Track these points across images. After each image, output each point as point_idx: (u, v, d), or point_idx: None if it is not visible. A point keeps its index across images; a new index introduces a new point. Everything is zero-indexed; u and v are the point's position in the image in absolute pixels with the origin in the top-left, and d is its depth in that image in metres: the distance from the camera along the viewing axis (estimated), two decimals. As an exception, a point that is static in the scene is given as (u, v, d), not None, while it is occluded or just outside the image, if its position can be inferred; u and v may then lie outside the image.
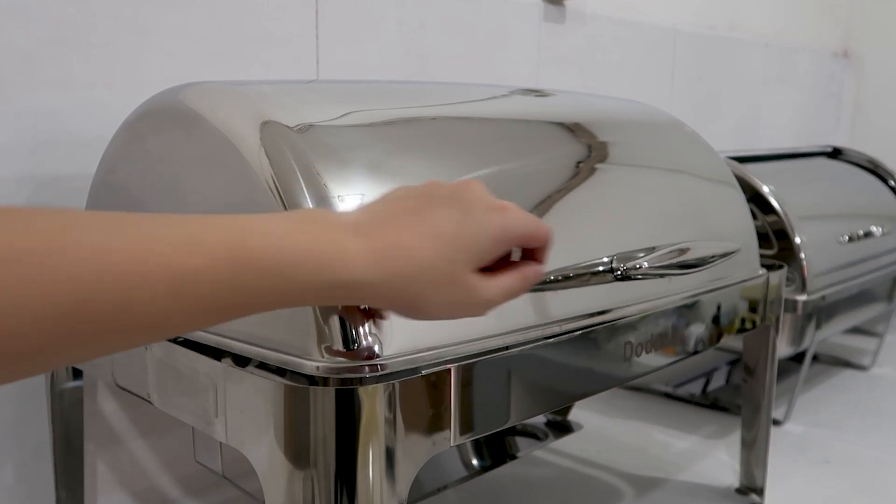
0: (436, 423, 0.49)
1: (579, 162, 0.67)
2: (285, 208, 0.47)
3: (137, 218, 0.31)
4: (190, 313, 0.31)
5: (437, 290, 0.37)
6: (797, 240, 1.07)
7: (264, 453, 0.48)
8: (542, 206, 0.59)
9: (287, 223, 0.34)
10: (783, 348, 1.06)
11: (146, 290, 0.30)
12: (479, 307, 0.40)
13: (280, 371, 0.47)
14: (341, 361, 0.46)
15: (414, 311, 0.39)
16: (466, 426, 0.50)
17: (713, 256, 0.66)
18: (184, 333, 0.34)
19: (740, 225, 0.81)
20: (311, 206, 0.48)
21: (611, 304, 0.61)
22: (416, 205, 0.38)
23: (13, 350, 0.27)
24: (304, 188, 0.48)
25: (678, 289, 0.68)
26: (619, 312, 0.62)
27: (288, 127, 0.52)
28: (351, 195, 0.49)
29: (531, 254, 0.43)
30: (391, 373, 0.46)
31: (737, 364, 1.31)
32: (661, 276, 0.62)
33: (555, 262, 0.56)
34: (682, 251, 0.63)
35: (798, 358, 1.13)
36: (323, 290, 0.34)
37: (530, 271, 0.42)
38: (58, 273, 0.28)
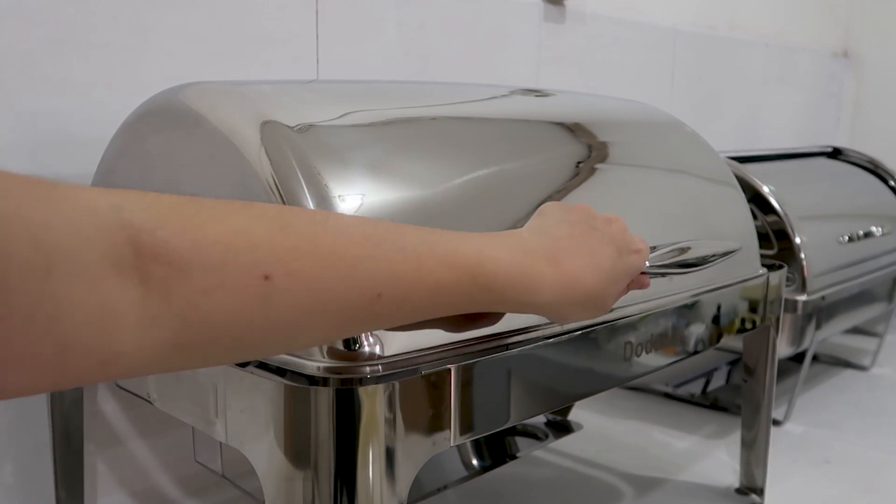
0: (436, 423, 0.49)
1: (579, 162, 0.67)
2: None
3: (413, 231, 0.41)
4: (432, 312, 0.41)
5: (588, 310, 0.48)
6: (797, 240, 1.07)
7: (264, 453, 0.48)
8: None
9: (507, 252, 0.43)
10: (783, 348, 1.06)
11: (416, 294, 0.39)
12: (601, 314, 0.51)
13: (280, 371, 0.47)
14: (342, 362, 0.46)
15: (562, 321, 0.51)
16: (466, 426, 0.50)
17: (714, 255, 0.66)
18: (417, 321, 0.41)
19: (741, 225, 0.81)
20: (311, 205, 0.48)
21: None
22: (583, 235, 0.48)
23: (316, 326, 0.36)
24: (305, 188, 0.48)
25: (678, 288, 0.69)
26: (620, 312, 0.62)
27: (288, 127, 0.52)
28: (351, 195, 0.49)
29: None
30: (391, 373, 0.46)
31: (737, 364, 1.31)
32: (662, 275, 0.62)
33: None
34: (683, 250, 0.63)
35: (798, 358, 1.13)
36: (521, 306, 0.45)
37: (640, 281, 0.54)
38: (361, 273, 0.37)
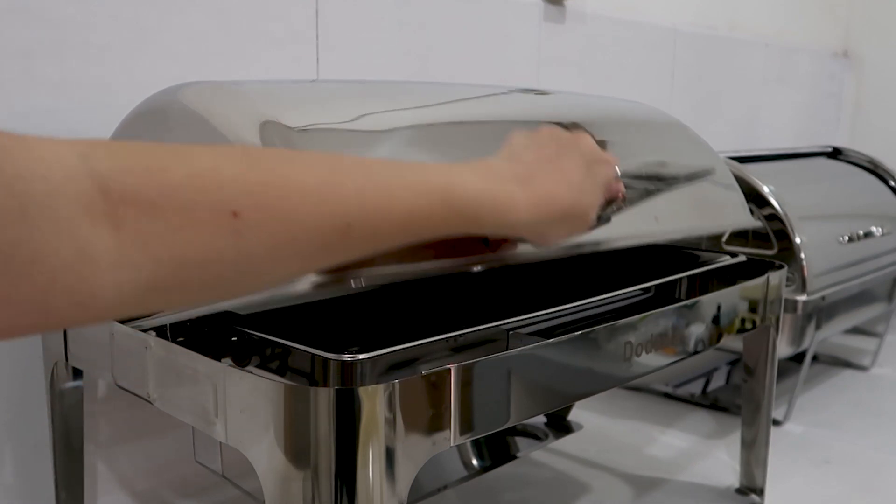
0: (436, 423, 0.49)
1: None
2: None
3: (380, 163, 0.41)
4: (407, 239, 0.41)
5: (569, 226, 0.49)
6: (797, 240, 1.07)
7: (264, 453, 0.48)
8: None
9: (476, 176, 0.44)
10: (783, 348, 1.06)
11: (387, 222, 0.39)
12: (585, 231, 0.52)
13: (280, 371, 0.47)
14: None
15: (545, 241, 0.50)
16: (466, 426, 0.50)
17: (688, 174, 0.66)
18: (392, 248, 0.42)
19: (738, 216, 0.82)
20: None
21: (595, 237, 0.61)
22: (552, 153, 0.49)
23: (288, 260, 0.37)
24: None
25: (666, 228, 0.67)
26: (605, 246, 0.62)
27: (288, 127, 0.52)
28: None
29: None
30: (391, 373, 0.46)
31: (737, 364, 1.31)
32: (636, 180, 0.61)
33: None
34: (658, 164, 0.63)
35: (798, 358, 1.13)
36: (499, 228, 0.46)
37: (615, 188, 0.54)
38: (331, 203, 0.37)
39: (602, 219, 0.58)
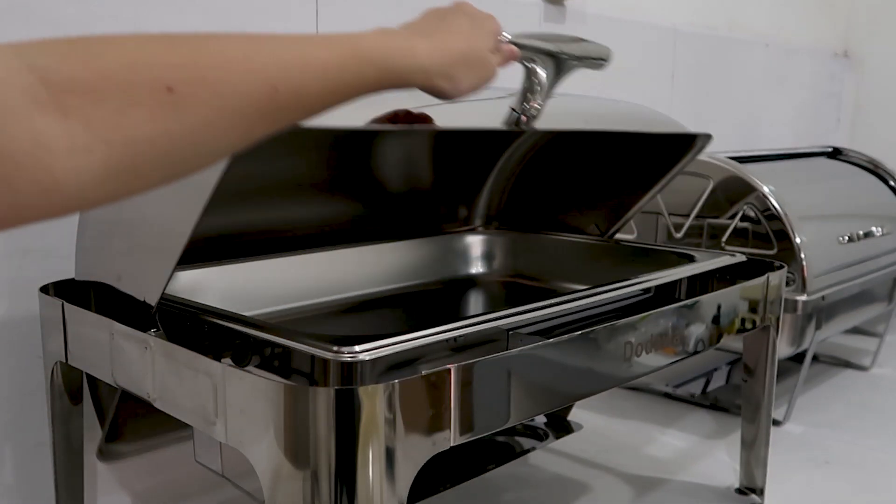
0: (436, 423, 0.49)
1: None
2: None
3: (292, 35, 0.44)
4: (330, 96, 0.44)
5: (473, 69, 0.54)
6: (797, 240, 1.07)
7: (264, 453, 0.48)
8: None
9: (376, 34, 0.48)
10: (783, 348, 1.06)
11: (308, 80, 0.43)
12: (489, 73, 0.56)
13: (280, 371, 0.47)
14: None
15: (457, 86, 0.53)
16: (466, 426, 0.50)
17: (582, 56, 0.68)
18: (322, 112, 0.45)
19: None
20: None
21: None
22: (439, 15, 0.55)
23: (228, 126, 0.39)
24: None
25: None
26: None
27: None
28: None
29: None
30: (391, 373, 0.46)
31: (737, 364, 1.31)
32: (522, 47, 0.63)
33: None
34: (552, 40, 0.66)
35: (798, 358, 1.13)
36: (408, 74, 0.49)
37: (509, 48, 0.60)
38: (255, 69, 0.40)
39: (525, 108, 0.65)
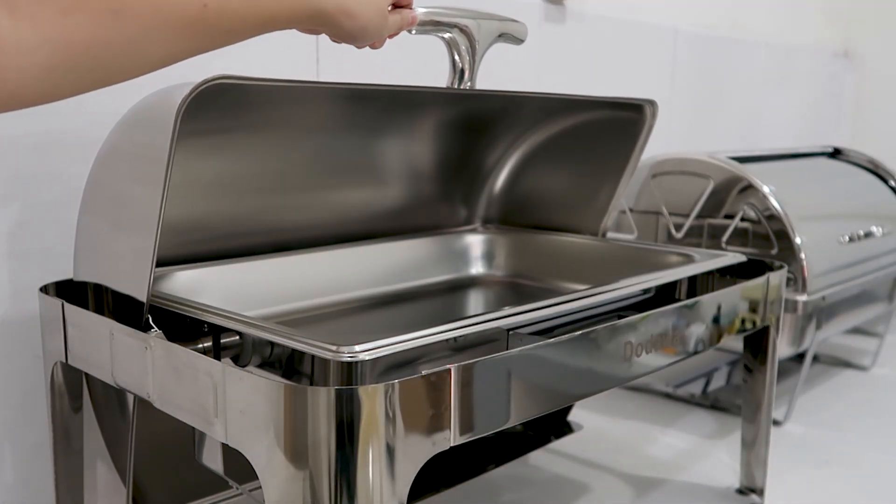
0: (436, 423, 0.49)
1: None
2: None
3: None
4: (254, 20, 0.48)
5: (370, 16, 0.56)
6: (797, 240, 1.07)
7: (264, 453, 0.48)
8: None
9: None
10: (783, 348, 1.06)
11: (238, 1, 0.46)
12: (385, 31, 0.60)
13: (280, 371, 0.47)
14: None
15: (358, 30, 0.56)
16: (466, 426, 0.50)
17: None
18: (248, 36, 0.49)
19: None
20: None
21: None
22: None
23: (163, 39, 0.44)
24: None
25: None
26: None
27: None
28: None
29: (403, 6, 0.63)
30: (391, 373, 0.46)
31: (737, 364, 1.31)
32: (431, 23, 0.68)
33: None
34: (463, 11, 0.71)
35: (798, 358, 1.13)
36: (326, 10, 0.52)
37: (409, 14, 0.63)
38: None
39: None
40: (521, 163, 0.98)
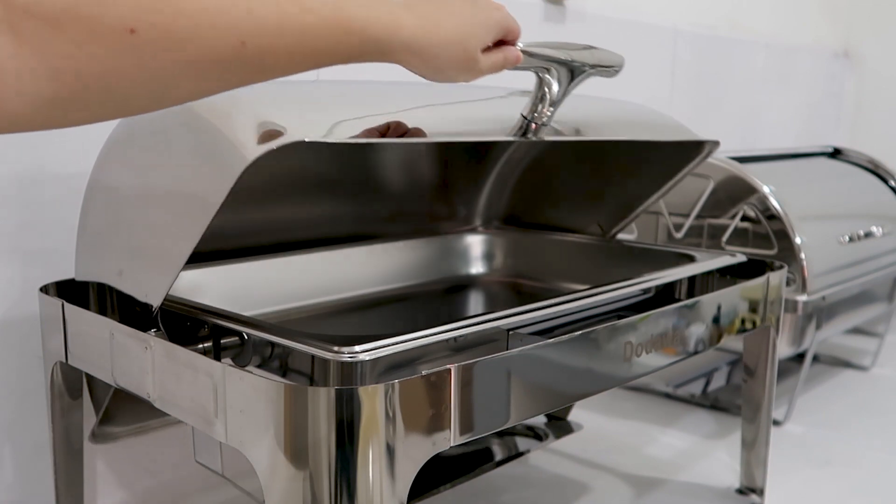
0: (436, 423, 0.49)
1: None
2: (245, 145, 0.50)
3: None
4: (302, 60, 0.43)
5: (454, 56, 0.50)
6: (797, 240, 1.07)
7: (264, 453, 0.48)
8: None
9: (363, 1, 0.45)
10: (783, 348, 1.06)
11: (281, 41, 0.41)
12: (474, 74, 0.53)
13: (280, 371, 0.47)
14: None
15: (435, 71, 0.51)
16: (466, 426, 0.50)
17: (595, 64, 0.65)
18: (292, 73, 0.44)
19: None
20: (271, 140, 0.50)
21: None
22: None
23: (185, 77, 0.39)
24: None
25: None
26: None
27: (285, 127, 0.52)
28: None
29: (507, 42, 0.55)
30: (391, 373, 0.46)
31: (737, 364, 1.31)
32: (531, 55, 0.59)
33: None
34: (562, 48, 0.63)
35: (798, 358, 1.13)
36: (386, 48, 0.47)
37: (511, 54, 0.55)
38: (224, 21, 0.39)
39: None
40: (531, 163, 0.98)
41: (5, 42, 0.34)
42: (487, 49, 0.53)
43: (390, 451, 0.47)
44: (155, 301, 0.57)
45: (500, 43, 0.54)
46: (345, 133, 0.53)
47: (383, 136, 0.57)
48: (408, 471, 0.48)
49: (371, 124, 0.55)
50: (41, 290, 0.68)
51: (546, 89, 0.63)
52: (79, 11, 0.35)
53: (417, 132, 0.57)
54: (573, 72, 0.63)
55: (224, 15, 0.39)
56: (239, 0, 0.40)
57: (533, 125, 0.64)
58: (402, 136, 0.57)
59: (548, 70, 0.62)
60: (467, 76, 0.52)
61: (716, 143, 0.83)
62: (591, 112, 0.76)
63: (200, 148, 0.55)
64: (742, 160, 1.19)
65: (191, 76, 0.39)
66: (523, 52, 0.56)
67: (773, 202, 1.09)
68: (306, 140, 0.49)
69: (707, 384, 1.25)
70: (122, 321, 0.59)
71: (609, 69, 0.66)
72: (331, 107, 0.59)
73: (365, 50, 0.46)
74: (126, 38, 0.36)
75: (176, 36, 0.38)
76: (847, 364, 1.38)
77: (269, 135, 0.50)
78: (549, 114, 0.63)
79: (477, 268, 0.98)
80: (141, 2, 0.37)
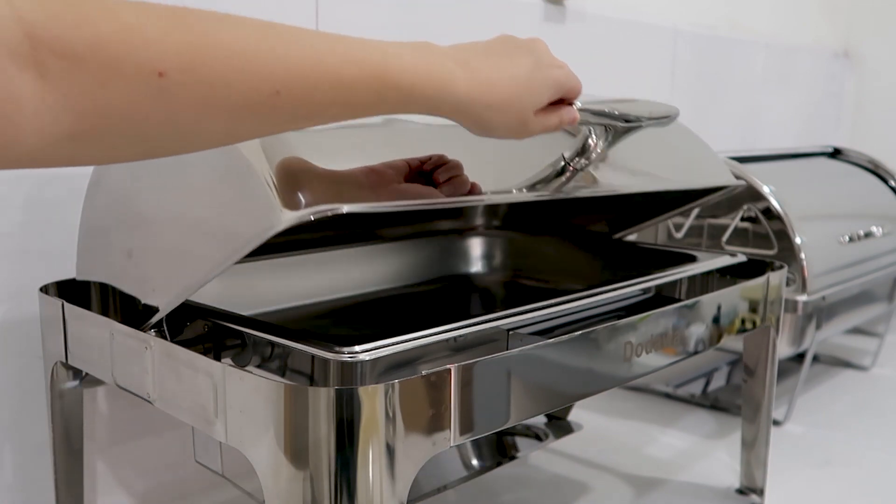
0: (436, 423, 0.49)
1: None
2: (283, 206, 0.47)
3: (314, 33, 0.41)
4: (339, 111, 0.41)
5: (505, 118, 0.48)
6: (797, 240, 1.07)
7: (264, 453, 0.48)
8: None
9: (414, 52, 0.43)
10: (783, 348, 1.06)
11: (317, 90, 0.39)
12: (525, 134, 0.50)
13: (280, 371, 0.47)
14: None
15: (484, 130, 0.49)
16: (466, 426, 0.50)
17: (649, 117, 0.64)
18: (327, 122, 0.42)
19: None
20: (310, 206, 0.48)
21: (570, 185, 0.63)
22: (501, 48, 0.48)
23: (214, 122, 0.37)
24: (304, 187, 0.48)
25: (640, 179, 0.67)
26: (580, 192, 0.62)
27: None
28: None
29: (565, 101, 0.53)
30: (391, 373, 0.46)
31: (737, 364, 1.31)
32: (592, 112, 0.59)
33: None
34: (618, 102, 0.61)
35: (798, 358, 1.13)
36: (433, 104, 0.44)
37: (568, 115, 0.53)
38: (258, 68, 0.37)
39: (568, 168, 0.59)
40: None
41: (28, 79, 0.32)
42: (543, 109, 0.50)
43: (390, 451, 0.47)
44: (164, 307, 0.57)
45: (558, 100, 0.52)
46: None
47: (420, 168, 0.55)
48: (408, 471, 0.48)
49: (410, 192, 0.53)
50: (41, 290, 0.68)
51: (590, 141, 0.62)
52: (105, 51, 0.34)
53: (474, 188, 0.56)
54: (629, 128, 0.62)
55: (259, 62, 0.37)
56: (276, 45, 0.38)
57: (570, 168, 0.62)
58: (448, 182, 0.55)
59: (598, 125, 0.60)
60: (517, 137, 0.50)
61: (741, 184, 0.83)
62: (627, 154, 0.71)
63: (232, 180, 0.52)
64: (742, 160, 1.19)
65: (221, 122, 0.38)
66: (580, 110, 0.54)
67: (774, 202, 1.09)
68: (344, 211, 0.48)
69: (707, 384, 1.25)
70: (123, 321, 0.59)
71: (663, 119, 0.64)
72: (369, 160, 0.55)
73: (410, 105, 0.43)
74: (154, 80, 0.35)
75: (207, 81, 0.36)
76: (847, 364, 1.38)
77: (311, 199, 0.48)
78: (586, 162, 0.62)
79: (477, 268, 0.98)
80: (172, 44, 0.35)
